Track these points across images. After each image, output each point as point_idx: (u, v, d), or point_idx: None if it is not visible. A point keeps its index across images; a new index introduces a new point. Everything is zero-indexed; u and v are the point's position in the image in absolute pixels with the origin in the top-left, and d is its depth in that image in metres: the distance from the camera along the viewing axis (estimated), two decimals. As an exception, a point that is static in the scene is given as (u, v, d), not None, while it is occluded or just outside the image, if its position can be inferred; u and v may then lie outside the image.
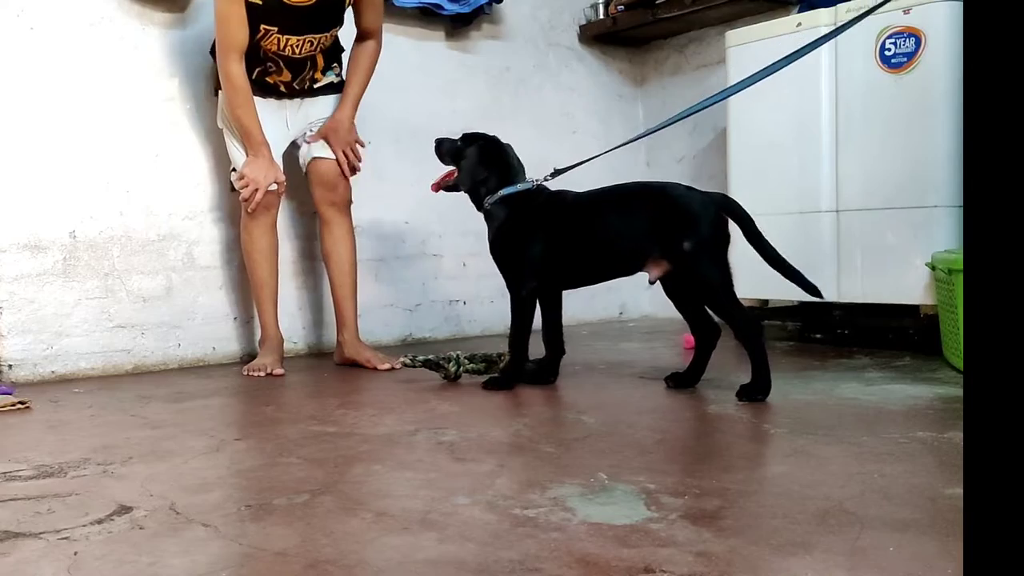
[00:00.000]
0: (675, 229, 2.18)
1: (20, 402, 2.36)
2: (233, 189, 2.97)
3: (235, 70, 2.66)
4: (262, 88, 2.81)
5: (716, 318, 2.30)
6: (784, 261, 2.25)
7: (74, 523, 1.33)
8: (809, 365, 2.68)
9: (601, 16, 4.13)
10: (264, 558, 1.17)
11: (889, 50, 2.85)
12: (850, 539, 1.16)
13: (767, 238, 2.25)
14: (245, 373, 2.82)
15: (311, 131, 2.93)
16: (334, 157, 2.88)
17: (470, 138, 2.47)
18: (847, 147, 2.99)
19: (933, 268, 2.66)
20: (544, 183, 2.41)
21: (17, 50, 2.81)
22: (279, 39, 2.70)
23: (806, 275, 3.10)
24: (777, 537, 1.18)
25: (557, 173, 2.42)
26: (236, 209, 3.22)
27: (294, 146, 2.98)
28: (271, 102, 2.85)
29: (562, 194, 2.38)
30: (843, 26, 2.15)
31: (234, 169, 2.90)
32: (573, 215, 2.33)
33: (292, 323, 3.32)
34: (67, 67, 2.88)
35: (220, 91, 2.89)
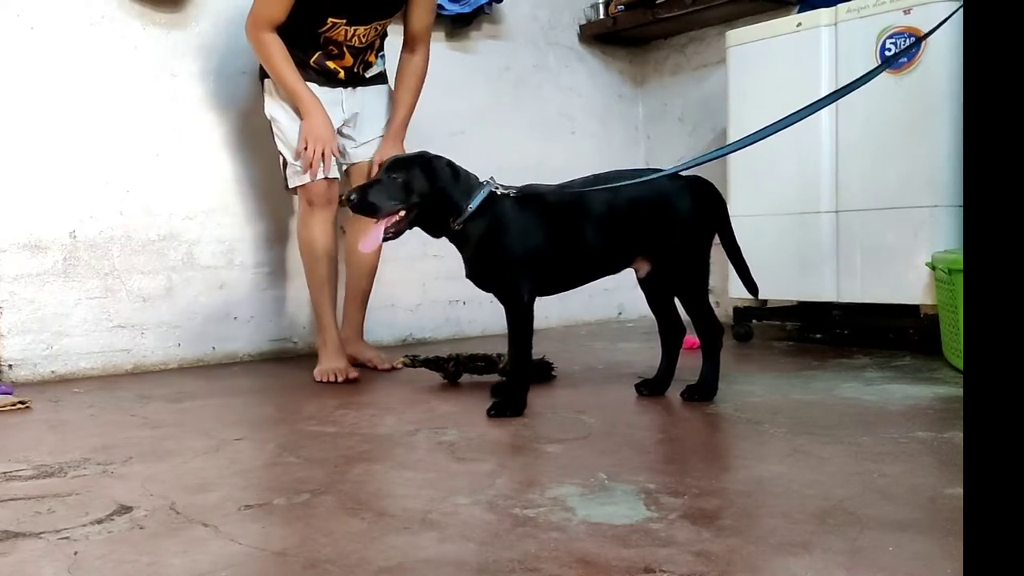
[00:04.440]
0: (666, 222, 2.09)
1: (20, 402, 2.36)
2: (287, 188, 2.79)
3: (268, 37, 2.58)
4: (320, 74, 2.73)
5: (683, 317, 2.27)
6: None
7: (74, 523, 1.33)
8: (809, 365, 2.68)
9: (601, 16, 4.13)
10: (264, 558, 1.17)
11: (889, 50, 2.85)
12: (850, 539, 1.16)
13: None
14: (317, 379, 2.65)
15: (351, 125, 2.83)
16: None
17: (403, 165, 2.11)
18: (847, 147, 2.99)
19: (933, 268, 2.66)
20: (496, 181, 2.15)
21: (17, 50, 2.81)
22: (346, 30, 2.66)
23: (802, 276, 3.12)
24: (776, 537, 1.18)
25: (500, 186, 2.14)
26: (240, 208, 3.23)
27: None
28: (326, 90, 2.73)
29: (536, 189, 2.16)
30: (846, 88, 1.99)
31: (286, 164, 2.74)
32: (559, 212, 2.12)
33: (293, 323, 3.32)
34: (67, 67, 2.88)
35: (266, 79, 2.75)
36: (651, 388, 2.28)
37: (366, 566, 1.12)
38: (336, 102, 2.77)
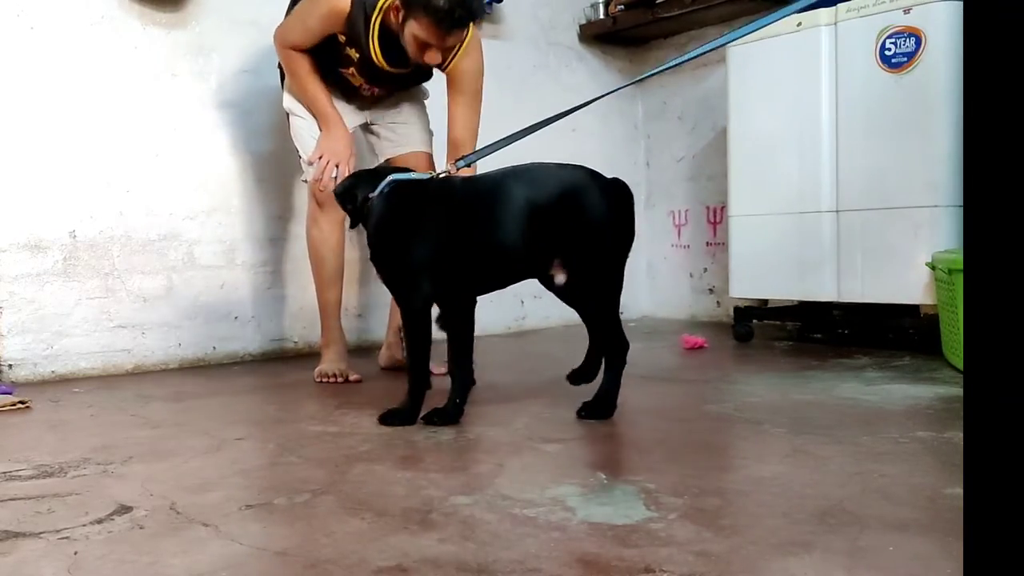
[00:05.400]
0: (580, 223, 1.88)
1: (20, 402, 2.36)
2: (305, 180, 2.75)
3: (294, 52, 2.55)
4: (340, 85, 2.66)
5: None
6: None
7: (74, 523, 1.33)
8: (809, 365, 2.68)
9: (601, 16, 4.13)
10: (264, 558, 1.17)
11: (889, 50, 2.85)
12: (850, 539, 1.16)
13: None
14: (317, 380, 2.64)
15: (380, 124, 2.79)
16: (427, 151, 2.78)
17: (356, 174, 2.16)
18: (847, 147, 2.99)
19: (933, 268, 2.66)
20: (447, 174, 2.09)
21: (17, 50, 2.81)
22: (363, 83, 2.64)
23: (802, 276, 3.12)
24: (777, 537, 1.18)
25: (465, 162, 2.13)
26: (240, 207, 3.23)
27: (367, 130, 2.83)
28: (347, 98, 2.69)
29: (453, 180, 2.04)
30: None
31: (300, 157, 2.72)
32: (461, 205, 1.96)
33: (292, 323, 3.32)
34: (67, 67, 2.89)
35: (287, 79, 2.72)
36: (577, 378, 2.14)
37: (366, 566, 1.12)
38: (355, 108, 2.73)
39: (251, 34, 3.20)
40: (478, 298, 2.11)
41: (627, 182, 2.01)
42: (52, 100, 2.86)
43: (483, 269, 1.97)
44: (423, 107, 2.86)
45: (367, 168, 2.30)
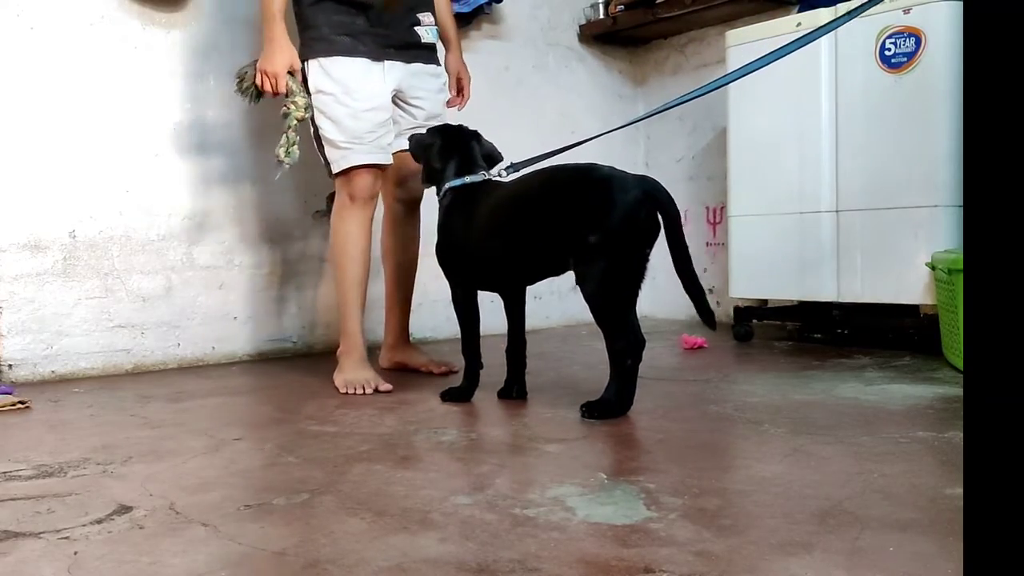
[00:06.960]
0: (583, 219, 1.90)
1: (20, 402, 2.36)
2: (331, 176, 2.60)
3: None
4: (363, 26, 2.51)
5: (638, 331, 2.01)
6: (695, 277, 1.94)
7: (74, 523, 1.33)
8: (809, 365, 2.68)
9: (601, 16, 4.13)
10: (264, 558, 1.17)
11: (889, 50, 2.85)
12: (850, 539, 1.16)
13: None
14: (344, 392, 2.45)
15: (409, 113, 2.67)
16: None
17: (437, 129, 2.35)
18: (847, 147, 2.99)
19: (933, 268, 2.66)
20: (500, 177, 2.23)
21: (17, 50, 2.81)
22: None
23: (802, 276, 3.12)
24: (777, 537, 1.18)
25: (514, 168, 2.25)
26: (240, 208, 3.22)
27: (395, 102, 2.64)
28: (369, 63, 2.52)
29: (495, 185, 2.21)
30: (847, 15, 2.15)
31: (322, 146, 2.56)
32: (492, 207, 2.13)
33: (292, 323, 3.32)
34: (67, 67, 2.89)
35: (310, 60, 2.54)
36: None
37: (366, 566, 1.12)
38: (378, 76, 2.54)
39: (251, 33, 3.20)
40: (482, 298, 2.31)
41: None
42: (52, 100, 2.86)
43: (502, 266, 2.18)
44: (441, 83, 2.77)
45: (449, 126, 2.40)
